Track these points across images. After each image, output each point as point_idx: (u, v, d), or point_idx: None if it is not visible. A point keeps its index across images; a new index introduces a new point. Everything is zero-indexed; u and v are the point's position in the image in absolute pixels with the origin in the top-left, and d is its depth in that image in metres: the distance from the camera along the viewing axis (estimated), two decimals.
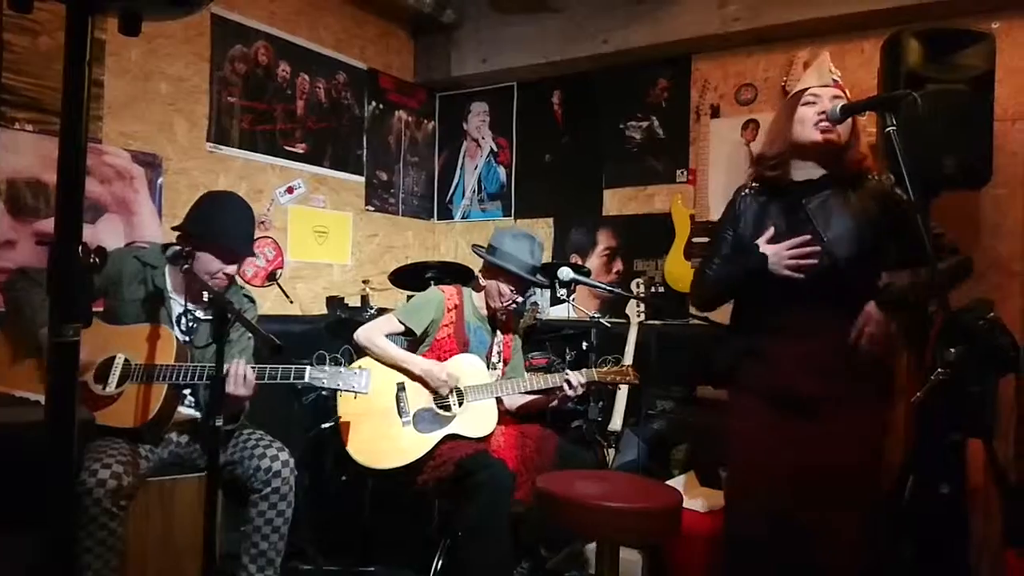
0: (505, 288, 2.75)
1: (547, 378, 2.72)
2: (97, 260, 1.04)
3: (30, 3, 1.01)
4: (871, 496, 1.92)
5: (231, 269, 2.33)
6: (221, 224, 2.32)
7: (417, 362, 2.67)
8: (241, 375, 2.15)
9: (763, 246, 1.92)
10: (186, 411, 2.37)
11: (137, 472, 2.12)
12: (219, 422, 1.90)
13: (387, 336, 2.73)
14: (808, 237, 1.87)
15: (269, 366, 2.23)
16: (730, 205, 2.09)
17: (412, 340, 2.81)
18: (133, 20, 1.10)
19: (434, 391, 2.66)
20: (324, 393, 3.20)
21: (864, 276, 1.91)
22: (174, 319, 2.35)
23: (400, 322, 2.73)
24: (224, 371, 2.01)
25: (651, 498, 2.08)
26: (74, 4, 1.03)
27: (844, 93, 1.93)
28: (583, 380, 2.66)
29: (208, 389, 2.27)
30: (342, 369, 2.26)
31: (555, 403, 2.81)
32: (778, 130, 1.98)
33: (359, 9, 4.29)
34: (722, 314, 2.23)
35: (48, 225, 2.87)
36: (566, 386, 2.64)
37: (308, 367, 2.23)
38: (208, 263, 2.30)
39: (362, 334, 2.72)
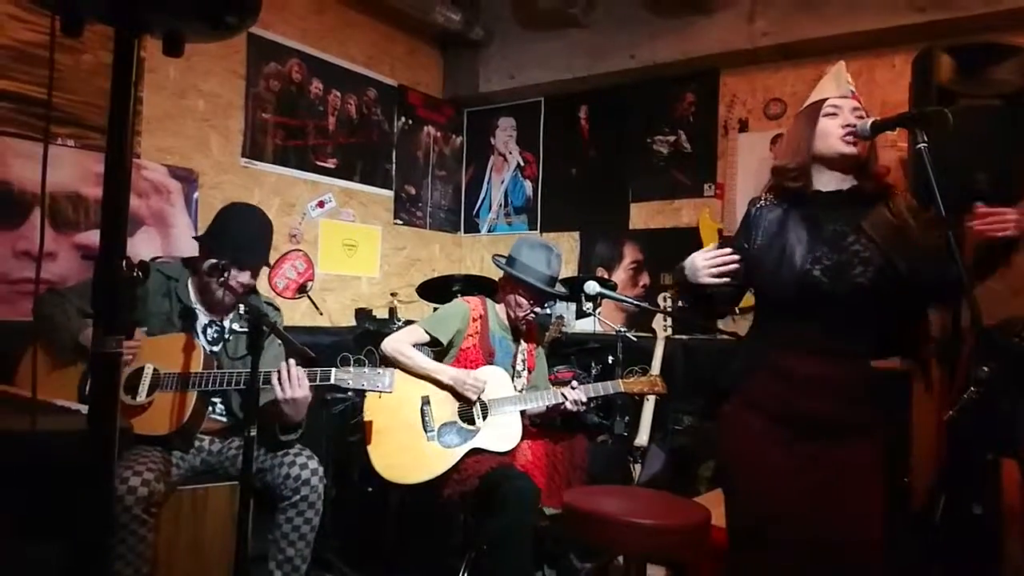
0: (522, 299, 2.78)
1: (543, 394, 2.74)
2: (140, 274, 1.07)
3: (81, 28, 1.06)
4: (882, 524, 1.86)
5: (243, 277, 2.37)
6: (230, 234, 2.37)
7: (445, 370, 2.70)
8: (294, 376, 2.19)
9: (688, 259, 1.90)
10: (217, 419, 2.41)
11: (168, 480, 2.16)
12: (253, 432, 1.93)
13: (413, 346, 2.76)
14: (729, 250, 1.85)
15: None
16: (744, 218, 2.01)
17: (438, 351, 2.83)
18: (176, 41, 1.14)
19: (461, 399, 2.68)
20: (352, 403, 3.23)
21: (895, 295, 1.86)
22: (200, 330, 2.41)
23: (426, 332, 2.76)
24: (260, 381, 2.05)
25: (679, 515, 2.07)
26: (122, 26, 1.08)
27: (860, 103, 1.91)
28: (582, 398, 2.69)
29: (242, 397, 2.31)
30: (366, 370, 2.30)
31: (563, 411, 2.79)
32: (798, 142, 1.90)
33: (389, 27, 4.37)
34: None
35: (88, 238, 2.95)
36: (567, 402, 2.67)
37: (333, 369, 2.27)
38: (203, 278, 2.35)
39: (388, 344, 2.75)
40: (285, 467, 2.31)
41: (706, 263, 1.84)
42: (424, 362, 2.72)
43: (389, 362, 2.75)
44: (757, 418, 1.89)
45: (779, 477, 1.83)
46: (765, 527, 1.84)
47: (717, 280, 1.84)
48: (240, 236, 2.38)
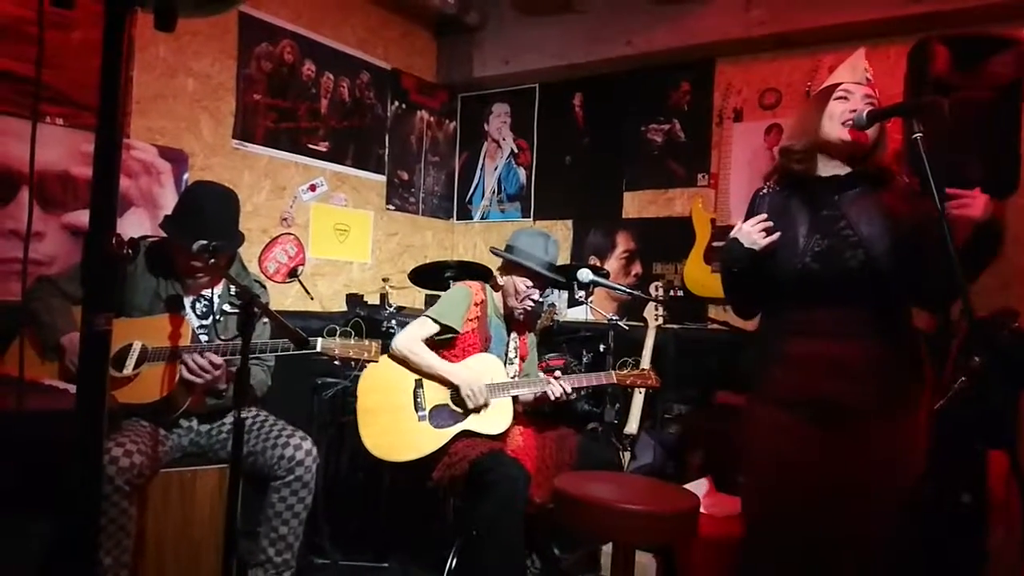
0: (521, 284, 2.77)
1: (535, 381, 2.73)
2: (130, 251, 1.06)
3: (72, 0, 1.04)
4: (902, 510, 1.87)
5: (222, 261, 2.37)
6: (204, 219, 2.33)
7: (455, 373, 2.66)
8: (203, 363, 2.19)
9: (734, 231, 1.91)
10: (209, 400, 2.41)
11: (154, 455, 2.16)
12: (243, 414, 1.92)
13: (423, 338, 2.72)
14: (764, 215, 1.86)
15: (282, 341, 2.28)
16: (749, 207, 2.02)
17: (439, 337, 2.79)
18: (168, 16, 1.12)
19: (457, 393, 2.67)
20: (342, 387, 3.22)
21: (899, 276, 1.82)
22: (188, 304, 2.41)
23: (436, 322, 2.71)
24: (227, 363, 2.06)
25: (668, 501, 2.08)
26: (112, 0, 1.06)
27: (875, 93, 1.89)
28: (567, 389, 2.68)
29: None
30: (352, 340, 2.31)
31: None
32: (807, 124, 1.91)
33: (383, 9, 4.32)
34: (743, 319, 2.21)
35: (76, 217, 2.92)
36: (549, 392, 2.67)
37: (319, 339, 2.28)
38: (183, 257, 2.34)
39: (401, 343, 2.69)
40: (279, 448, 2.32)
41: (757, 228, 1.86)
42: (435, 361, 2.67)
43: (401, 362, 2.70)
44: (775, 411, 1.89)
45: (795, 471, 1.84)
46: (779, 519, 1.86)
47: (770, 240, 1.86)
48: (214, 219, 2.34)
